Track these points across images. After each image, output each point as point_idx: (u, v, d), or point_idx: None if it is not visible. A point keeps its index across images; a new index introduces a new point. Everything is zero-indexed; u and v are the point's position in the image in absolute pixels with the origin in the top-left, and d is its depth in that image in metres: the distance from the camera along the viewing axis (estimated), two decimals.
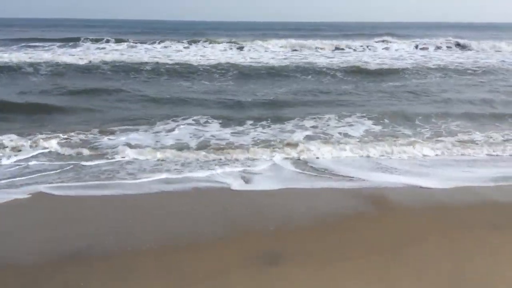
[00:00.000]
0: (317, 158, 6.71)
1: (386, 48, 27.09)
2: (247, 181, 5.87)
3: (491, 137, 7.96)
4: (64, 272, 3.77)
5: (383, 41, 29.06)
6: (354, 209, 5.02)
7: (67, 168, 6.30)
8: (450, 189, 5.62)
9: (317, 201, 5.28)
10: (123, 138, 7.79)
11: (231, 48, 25.28)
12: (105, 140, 7.74)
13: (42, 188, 5.55)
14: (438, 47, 27.48)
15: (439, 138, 7.93)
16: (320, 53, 24.22)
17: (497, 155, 7.08)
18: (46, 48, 23.68)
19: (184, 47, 25.50)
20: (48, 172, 6.11)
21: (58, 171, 6.19)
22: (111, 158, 6.68)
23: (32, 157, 6.72)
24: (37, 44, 25.40)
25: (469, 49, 26.80)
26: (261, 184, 5.74)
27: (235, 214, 4.90)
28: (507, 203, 5.26)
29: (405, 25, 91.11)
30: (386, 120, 9.29)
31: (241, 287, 3.58)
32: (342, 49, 26.12)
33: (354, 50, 26.28)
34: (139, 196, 5.41)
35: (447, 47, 27.69)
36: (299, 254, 4.04)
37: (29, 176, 5.97)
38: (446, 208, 5.07)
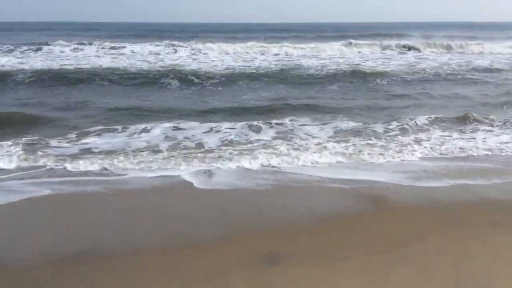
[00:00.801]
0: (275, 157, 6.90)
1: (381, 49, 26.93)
2: (210, 176, 6.05)
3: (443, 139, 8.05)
4: (64, 273, 3.77)
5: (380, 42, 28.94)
6: (354, 209, 5.03)
7: (48, 169, 6.36)
8: (449, 188, 5.63)
9: (316, 201, 5.29)
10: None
11: (218, 52, 24.73)
12: (80, 143, 7.75)
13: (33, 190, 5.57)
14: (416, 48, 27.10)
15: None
16: (313, 54, 24.04)
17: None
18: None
19: (173, 51, 24.59)
20: (25, 172, 6.17)
21: (39, 170, 6.27)
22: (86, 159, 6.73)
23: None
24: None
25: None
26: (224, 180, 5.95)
27: (235, 214, 4.90)
28: (506, 201, 5.28)
29: (405, 26, 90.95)
30: (360, 120, 9.44)
31: (241, 287, 3.57)
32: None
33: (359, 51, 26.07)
34: (135, 193, 5.44)
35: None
36: (299, 254, 4.04)
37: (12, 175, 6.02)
38: (445, 207, 5.09)
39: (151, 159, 6.76)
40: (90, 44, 25.75)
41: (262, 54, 24.03)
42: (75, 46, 24.77)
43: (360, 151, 7.16)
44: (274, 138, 8.08)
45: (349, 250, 4.12)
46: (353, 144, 7.61)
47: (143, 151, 7.18)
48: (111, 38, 34.22)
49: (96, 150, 7.29)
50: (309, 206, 5.11)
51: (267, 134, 8.41)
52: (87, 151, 7.24)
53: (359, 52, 26.14)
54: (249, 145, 7.60)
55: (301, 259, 3.95)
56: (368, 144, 7.66)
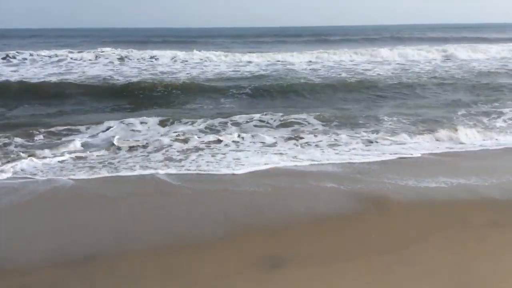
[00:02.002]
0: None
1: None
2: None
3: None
4: (64, 274, 3.76)
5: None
6: (354, 209, 5.03)
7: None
8: (449, 188, 5.63)
9: (316, 201, 5.28)
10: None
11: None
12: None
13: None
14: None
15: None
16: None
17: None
18: None
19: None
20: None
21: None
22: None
23: None
24: None
25: None
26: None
27: (235, 215, 4.89)
28: (506, 200, 5.28)
29: (405, 27, 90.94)
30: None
31: (241, 287, 3.57)
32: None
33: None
34: (134, 192, 5.44)
35: None
36: (299, 254, 4.04)
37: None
38: (446, 207, 5.08)
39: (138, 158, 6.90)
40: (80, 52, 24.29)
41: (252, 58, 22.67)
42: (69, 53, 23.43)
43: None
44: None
45: (350, 250, 4.12)
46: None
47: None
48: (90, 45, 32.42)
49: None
50: (309, 206, 5.11)
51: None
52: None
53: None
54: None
55: (302, 259, 3.94)
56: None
